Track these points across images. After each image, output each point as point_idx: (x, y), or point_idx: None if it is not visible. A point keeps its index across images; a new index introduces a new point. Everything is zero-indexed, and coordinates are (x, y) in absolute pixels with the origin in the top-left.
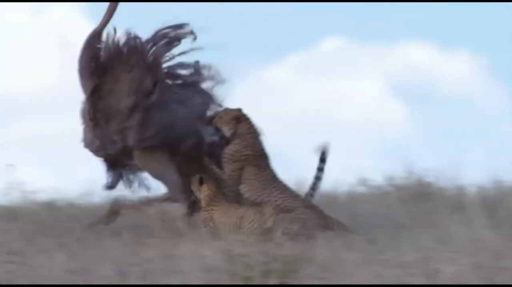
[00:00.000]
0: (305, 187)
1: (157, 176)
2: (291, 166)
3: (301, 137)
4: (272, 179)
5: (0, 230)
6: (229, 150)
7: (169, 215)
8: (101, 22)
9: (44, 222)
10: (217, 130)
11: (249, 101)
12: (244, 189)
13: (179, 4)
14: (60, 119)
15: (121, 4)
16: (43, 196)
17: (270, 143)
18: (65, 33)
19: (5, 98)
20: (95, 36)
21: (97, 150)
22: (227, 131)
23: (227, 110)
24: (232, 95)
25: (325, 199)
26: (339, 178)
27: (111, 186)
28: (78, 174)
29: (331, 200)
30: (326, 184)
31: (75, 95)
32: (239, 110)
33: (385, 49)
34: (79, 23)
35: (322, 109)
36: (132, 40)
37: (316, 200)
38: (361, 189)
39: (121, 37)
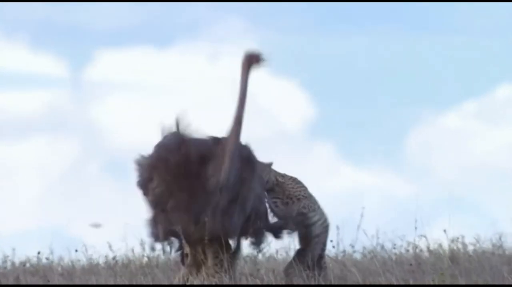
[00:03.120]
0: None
1: None
2: (474, 214)
3: (482, 185)
4: None
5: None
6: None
7: None
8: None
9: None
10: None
11: (425, 148)
12: None
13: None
14: None
15: None
16: None
17: (447, 190)
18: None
19: None
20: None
21: None
22: None
23: None
24: (408, 141)
25: None
26: None
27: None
28: None
29: None
30: None
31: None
32: None
33: None
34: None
35: (499, 157)
36: None
37: None
38: None
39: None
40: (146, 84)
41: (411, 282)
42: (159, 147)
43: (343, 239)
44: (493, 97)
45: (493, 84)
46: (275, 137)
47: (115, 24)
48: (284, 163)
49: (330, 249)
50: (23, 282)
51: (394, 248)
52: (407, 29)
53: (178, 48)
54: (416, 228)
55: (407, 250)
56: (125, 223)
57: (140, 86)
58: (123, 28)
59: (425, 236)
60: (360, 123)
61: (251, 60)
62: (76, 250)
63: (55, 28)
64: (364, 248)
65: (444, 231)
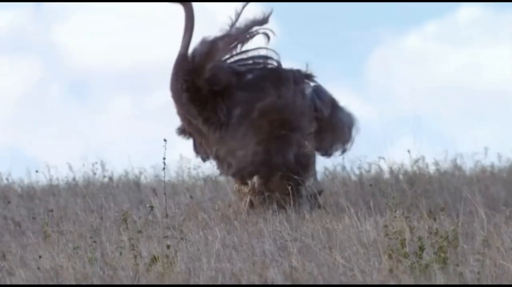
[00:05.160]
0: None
1: None
2: (434, 135)
3: (443, 107)
4: None
5: (161, 206)
6: None
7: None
8: (184, 43)
9: (206, 196)
10: None
11: (386, 68)
12: None
13: None
14: None
15: None
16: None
17: (408, 111)
18: None
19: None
20: (182, 59)
21: None
22: None
23: None
24: (369, 63)
25: (484, 175)
26: (499, 152)
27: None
28: None
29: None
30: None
31: None
32: None
33: None
34: None
35: (459, 78)
36: None
37: (477, 175)
38: None
39: None
40: (108, 4)
41: (371, 204)
42: None
43: None
44: (455, 18)
45: (455, 5)
46: None
47: None
48: None
49: None
50: None
51: (358, 168)
52: None
53: None
54: (378, 149)
55: (368, 171)
56: (86, 144)
57: (103, 6)
58: None
59: (383, 158)
60: (321, 45)
61: None
62: (37, 171)
63: None
64: (326, 168)
65: (408, 151)
